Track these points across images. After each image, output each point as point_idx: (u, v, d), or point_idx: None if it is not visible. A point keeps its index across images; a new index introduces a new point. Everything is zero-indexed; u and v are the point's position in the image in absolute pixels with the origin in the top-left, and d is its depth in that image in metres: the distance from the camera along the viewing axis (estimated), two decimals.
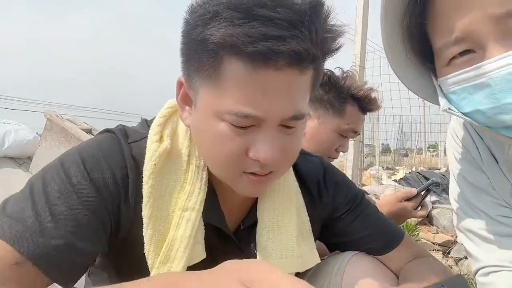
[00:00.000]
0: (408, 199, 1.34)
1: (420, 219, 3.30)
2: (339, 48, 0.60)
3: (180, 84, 0.66)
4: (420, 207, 1.38)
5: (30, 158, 2.93)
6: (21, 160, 2.99)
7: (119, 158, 0.66)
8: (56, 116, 2.77)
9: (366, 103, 1.35)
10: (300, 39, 0.53)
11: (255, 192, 0.68)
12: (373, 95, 1.36)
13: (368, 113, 1.43)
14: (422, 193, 1.37)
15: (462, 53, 0.59)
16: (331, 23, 0.58)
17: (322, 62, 0.61)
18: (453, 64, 0.60)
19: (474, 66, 0.57)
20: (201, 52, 0.56)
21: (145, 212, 0.65)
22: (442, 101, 0.64)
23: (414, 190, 1.36)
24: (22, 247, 0.55)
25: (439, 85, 0.65)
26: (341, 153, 1.43)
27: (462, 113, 0.62)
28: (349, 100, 1.33)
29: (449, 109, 0.63)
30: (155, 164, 0.65)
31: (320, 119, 1.33)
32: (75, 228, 0.59)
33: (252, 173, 0.63)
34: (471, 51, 0.58)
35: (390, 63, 0.66)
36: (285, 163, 0.66)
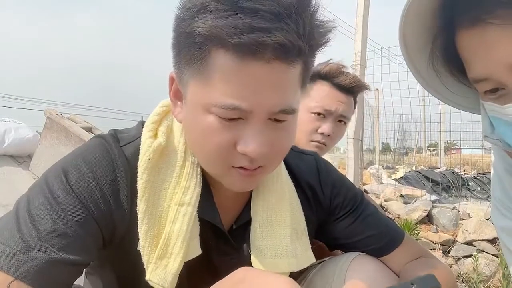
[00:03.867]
0: None
1: (420, 218, 3.30)
2: (327, 42, 0.60)
3: (172, 80, 0.66)
4: None
5: (30, 157, 2.93)
6: (21, 158, 2.99)
7: (105, 165, 0.65)
8: (56, 114, 2.76)
9: (333, 77, 1.32)
10: (286, 31, 0.53)
11: (245, 186, 0.67)
12: (342, 69, 1.33)
13: (353, 93, 1.37)
14: None
15: (492, 90, 0.59)
16: (320, 17, 0.58)
17: (310, 57, 0.61)
18: (488, 97, 0.61)
19: (506, 106, 0.58)
20: (190, 45, 0.57)
21: (140, 207, 0.65)
22: (484, 124, 0.64)
23: None
24: (10, 269, 0.55)
25: (482, 103, 0.65)
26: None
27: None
28: (318, 79, 1.31)
29: (486, 136, 0.64)
30: (149, 159, 0.66)
31: None
32: (62, 242, 0.59)
33: (241, 167, 0.63)
34: (499, 88, 0.58)
35: (428, 90, 0.67)
36: (274, 157, 0.65)
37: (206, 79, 0.57)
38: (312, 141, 1.34)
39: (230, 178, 0.65)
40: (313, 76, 1.29)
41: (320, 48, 0.61)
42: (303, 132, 1.33)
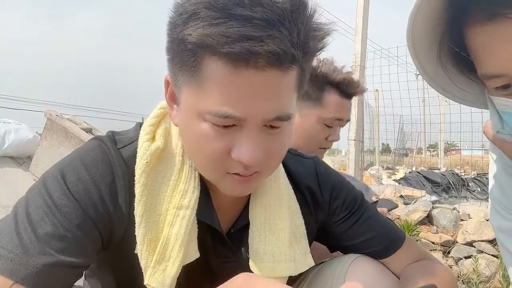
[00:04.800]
0: None
1: (420, 218, 3.31)
2: (323, 47, 0.59)
3: (167, 83, 0.66)
4: None
5: (30, 158, 2.93)
6: (21, 159, 2.99)
7: (103, 167, 0.65)
8: (56, 115, 2.76)
9: (345, 88, 1.31)
10: (278, 40, 0.51)
11: (241, 191, 0.67)
12: (351, 77, 1.32)
13: (354, 98, 1.38)
14: None
15: (504, 86, 0.57)
16: (317, 21, 0.57)
17: (307, 62, 0.60)
18: (499, 92, 0.59)
19: None
20: (182, 52, 0.56)
21: (138, 211, 0.64)
22: (493, 120, 0.62)
23: None
24: (10, 273, 0.55)
25: (490, 98, 0.63)
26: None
27: None
28: (327, 87, 1.29)
29: (498, 132, 0.62)
30: (147, 162, 0.65)
31: (301, 112, 1.29)
32: (61, 244, 0.58)
33: (237, 174, 0.62)
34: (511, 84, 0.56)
35: (434, 87, 0.65)
36: (270, 163, 0.65)
37: (200, 86, 0.56)
38: (320, 148, 1.36)
39: (226, 184, 0.65)
40: (321, 83, 1.28)
41: (317, 54, 0.60)
42: (315, 140, 1.33)
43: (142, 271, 0.65)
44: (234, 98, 0.55)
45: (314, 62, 1.28)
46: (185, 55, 0.56)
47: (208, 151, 0.60)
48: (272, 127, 0.60)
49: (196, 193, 0.68)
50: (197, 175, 0.69)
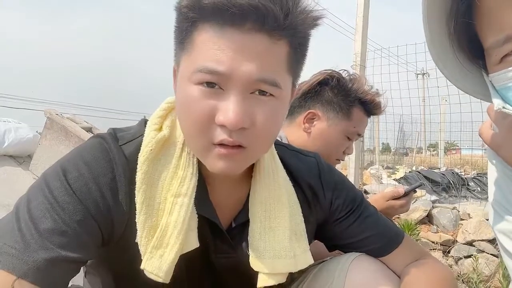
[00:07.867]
0: (395, 198, 1.40)
1: (420, 218, 3.31)
2: (308, 22, 0.61)
3: (174, 72, 0.68)
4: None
5: (30, 157, 2.93)
6: (21, 158, 3.00)
7: (104, 164, 0.66)
8: (56, 114, 2.77)
9: (371, 107, 1.39)
10: None
11: (225, 167, 0.64)
12: (378, 99, 1.40)
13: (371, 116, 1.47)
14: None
15: None
16: (305, 2, 0.60)
17: (295, 37, 0.61)
18: (506, 61, 0.58)
19: None
20: (179, 22, 0.62)
21: (138, 198, 0.65)
22: (495, 99, 0.61)
23: (401, 190, 1.41)
24: (13, 268, 0.56)
25: (490, 81, 0.62)
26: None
27: None
28: (356, 103, 1.37)
29: (504, 108, 0.60)
30: (151, 149, 0.67)
31: (330, 121, 1.37)
32: (62, 240, 0.59)
33: (222, 145, 0.61)
34: None
35: (435, 62, 0.64)
36: (256, 138, 0.63)
37: (191, 51, 0.61)
38: (336, 159, 1.45)
39: (211, 158, 0.63)
40: (353, 98, 1.36)
41: (302, 28, 0.61)
42: (336, 150, 1.41)
43: (142, 265, 0.65)
44: (219, 55, 0.58)
45: (346, 75, 1.39)
46: (180, 22, 0.61)
47: (193, 115, 0.61)
48: (260, 94, 0.61)
49: (194, 180, 0.68)
50: (195, 162, 0.70)
